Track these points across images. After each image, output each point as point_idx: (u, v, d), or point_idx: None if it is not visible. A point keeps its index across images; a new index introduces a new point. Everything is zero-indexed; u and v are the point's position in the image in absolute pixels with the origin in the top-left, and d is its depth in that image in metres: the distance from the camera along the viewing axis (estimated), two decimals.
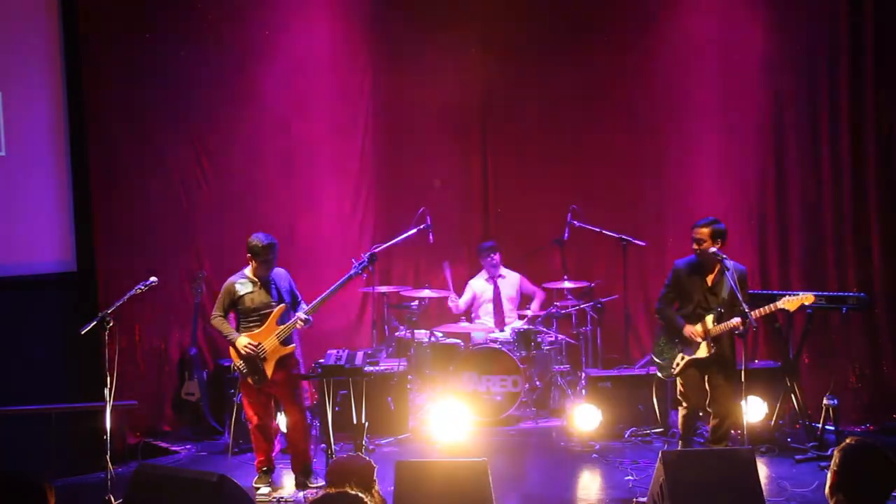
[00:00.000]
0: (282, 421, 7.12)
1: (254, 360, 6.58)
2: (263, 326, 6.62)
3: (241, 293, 6.67)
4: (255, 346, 6.56)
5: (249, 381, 6.63)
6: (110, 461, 6.30)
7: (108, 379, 6.25)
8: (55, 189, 7.81)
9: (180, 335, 8.46)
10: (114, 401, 6.26)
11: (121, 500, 5.76)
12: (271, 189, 8.96)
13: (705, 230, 6.52)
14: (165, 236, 8.45)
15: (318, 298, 6.72)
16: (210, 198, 8.66)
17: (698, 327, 6.55)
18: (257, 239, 6.64)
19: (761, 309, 6.51)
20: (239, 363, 6.63)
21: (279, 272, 6.80)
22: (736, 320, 6.37)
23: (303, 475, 6.76)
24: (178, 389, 8.23)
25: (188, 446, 7.96)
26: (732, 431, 7.09)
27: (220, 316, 6.71)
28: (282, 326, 6.61)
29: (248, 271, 6.72)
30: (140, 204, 8.30)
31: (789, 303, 6.55)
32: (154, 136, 8.36)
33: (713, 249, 6.49)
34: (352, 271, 6.87)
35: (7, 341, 7.42)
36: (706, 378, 6.61)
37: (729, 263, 6.46)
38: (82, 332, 6.34)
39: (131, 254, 8.15)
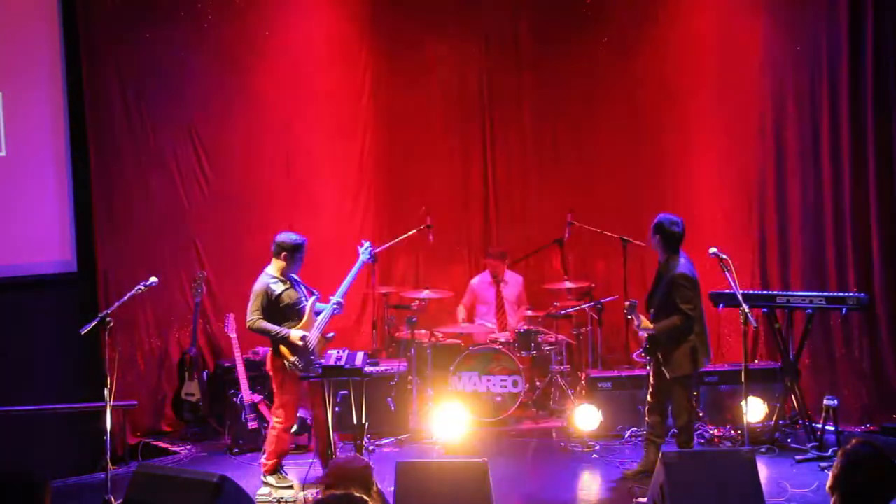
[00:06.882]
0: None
1: (307, 353, 6.56)
2: (304, 320, 6.62)
3: (278, 292, 6.63)
4: (308, 339, 6.56)
5: (303, 375, 6.54)
6: (110, 461, 6.30)
7: (108, 379, 6.25)
8: (55, 189, 7.79)
9: (180, 335, 8.46)
10: (114, 401, 6.26)
11: (121, 500, 5.76)
12: (271, 189, 8.96)
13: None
14: (165, 236, 8.44)
15: (344, 283, 6.81)
16: (210, 198, 8.66)
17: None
18: (293, 236, 6.66)
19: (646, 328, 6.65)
20: (293, 359, 6.54)
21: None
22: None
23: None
24: (178, 389, 8.22)
25: (188, 446, 7.96)
26: (734, 432, 7.08)
27: (261, 318, 6.60)
28: (319, 317, 6.65)
29: (273, 271, 6.67)
30: (140, 204, 8.30)
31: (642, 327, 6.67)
32: (154, 135, 8.35)
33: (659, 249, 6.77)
34: (365, 257, 7.01)
35: (7, 341, 7.40)
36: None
37: (674, 264, 6.66)
38: (82, 332, 6.34)
39: (131, 254, 8.15)
